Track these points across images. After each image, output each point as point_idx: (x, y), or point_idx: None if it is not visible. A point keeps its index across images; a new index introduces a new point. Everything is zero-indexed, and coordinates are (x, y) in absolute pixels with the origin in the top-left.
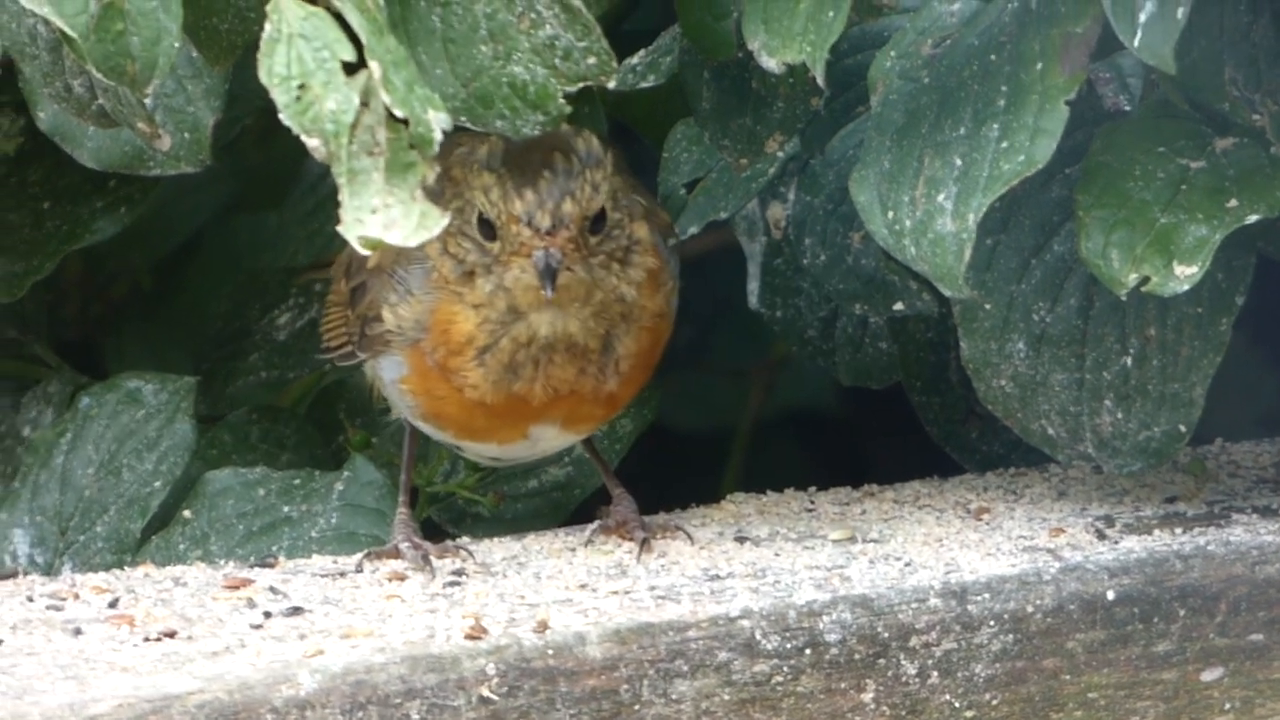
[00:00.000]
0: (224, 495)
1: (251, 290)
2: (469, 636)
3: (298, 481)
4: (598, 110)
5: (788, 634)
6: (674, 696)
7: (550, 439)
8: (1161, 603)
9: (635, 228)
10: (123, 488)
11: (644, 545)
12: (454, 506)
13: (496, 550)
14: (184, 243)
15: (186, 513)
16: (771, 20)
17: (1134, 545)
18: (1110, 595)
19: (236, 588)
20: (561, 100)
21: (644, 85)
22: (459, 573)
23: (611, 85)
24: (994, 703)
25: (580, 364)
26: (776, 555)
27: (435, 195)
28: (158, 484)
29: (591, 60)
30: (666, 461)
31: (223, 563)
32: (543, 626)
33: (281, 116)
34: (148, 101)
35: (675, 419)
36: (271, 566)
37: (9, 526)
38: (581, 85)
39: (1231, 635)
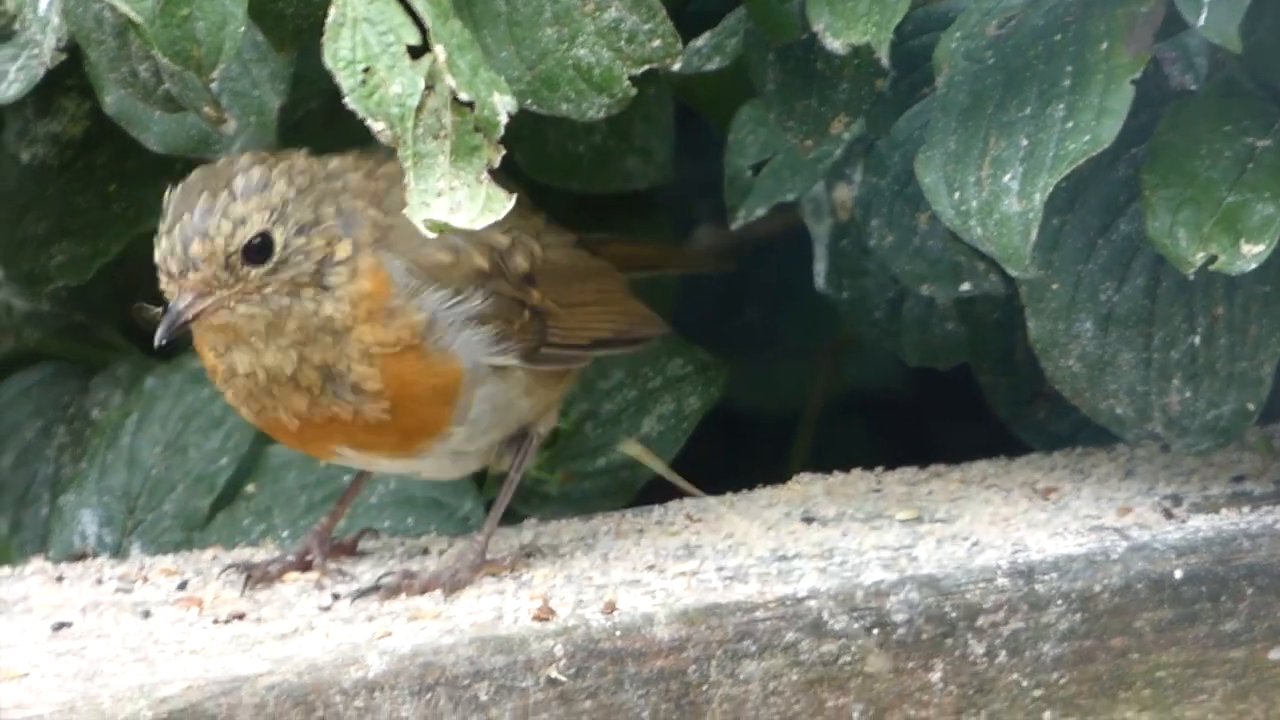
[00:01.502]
0: (286, 468)
1: None
2: (537, 618)
3: None
4: (663, 93)
5: (855, 614)
6: (741, 677)
7: (365, 462)
8: (1229, 581)
9: (339, 248)
10: (189, 466)
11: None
12: (522, 486)
13: (564, 532)
14: None
15: (250, 487)
16: (836, 2)
17: (1201, 524)
18: (1178, 574)
19: (305, 570)
20: (627, 83)
21: (709, 68)
22: (527, 554)
23: (676, 68)
24: (1062, 682)
25: (306, 395)
26: (844, 535)
27: None
28: (223, 461)
29: (656, 43)
30: (733, 442)
31: (288, 539)
32: (610, 607)
33: (347, 100)
34: (213, 85)
35: (742, 400)
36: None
37: (78, 507)
38: (646, 68)
39: None
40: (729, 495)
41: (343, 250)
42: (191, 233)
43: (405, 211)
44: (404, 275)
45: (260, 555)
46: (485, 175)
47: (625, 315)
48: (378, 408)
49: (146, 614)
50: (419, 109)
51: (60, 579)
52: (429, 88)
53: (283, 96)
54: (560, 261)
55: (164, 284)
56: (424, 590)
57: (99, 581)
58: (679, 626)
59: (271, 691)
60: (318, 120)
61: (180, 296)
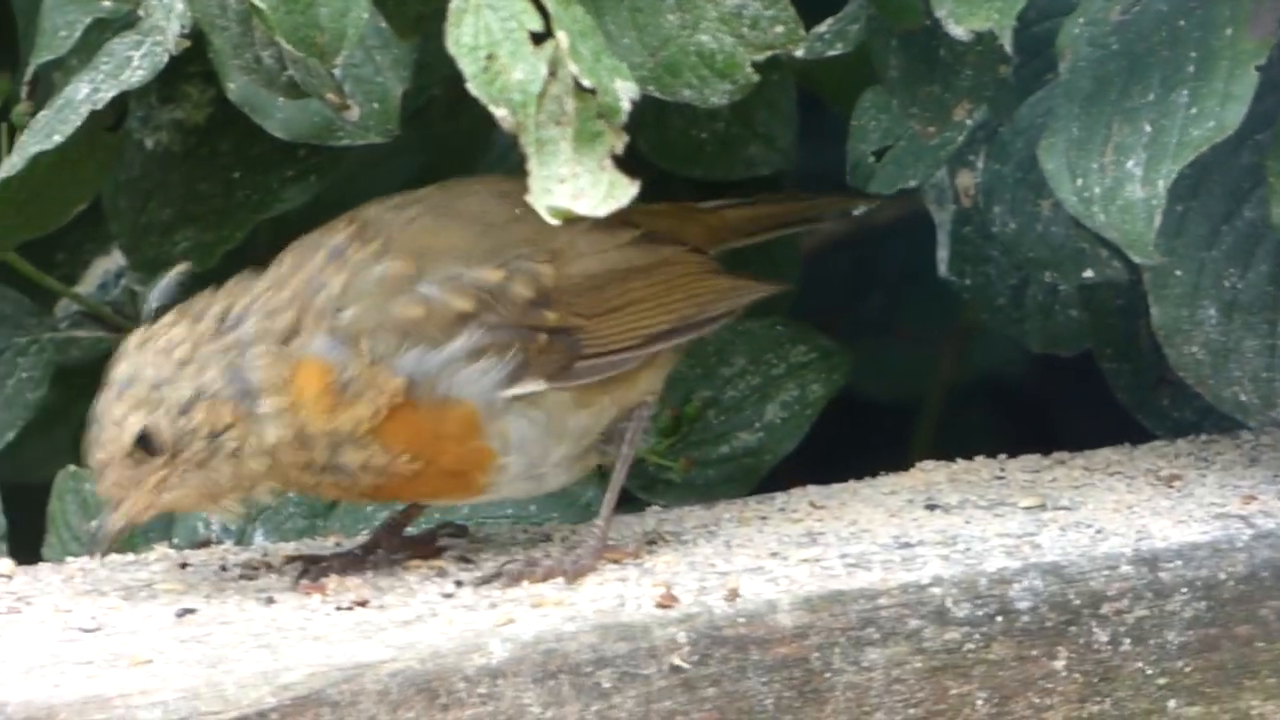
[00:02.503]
0: None
1: None
2: (660, 605)
3: None
4: (786, 79)
5: (979, 602)
6: (865, 664)
7: (448, 504)
8: None
9: (222, 412)
10: None
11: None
12: (645, 473)
13: (687, 519)
14: None
15: None
16: None
17: None
18: None
19: (428, 557)
20: (749, 69)
21: (832, 53)
22: (650, 541)
23: (799, 54)
24: (1187, 670)
25: (332, 486)
26: (967, 523)
27: None
28: None
29: (779, 29)
30: (856, 429)
31: (411, 527)
32: (733, 595)
33: (469, 86)
34: (336, 72)
35: (865, 386)
36: (462, 535)
37: None
38: (769, 54)
39: None
40: (852, 482)
41: (226, 414)
42: (93, 441)
43: (527, 198)
44: (338, 349)
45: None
46: (608, 162)
47: (692, 300)
48: (399, 463)
49: (270, 600)
50: (541, 95)
51: (184, 566)
52: (551, 74)
53: (405, 83)
54: (591, 271)
55: None
56: (546, 577)
57: (223, 568)
58: (802, 614)
59: (395, 678)
60: (441, 106)
61: (105, 508)
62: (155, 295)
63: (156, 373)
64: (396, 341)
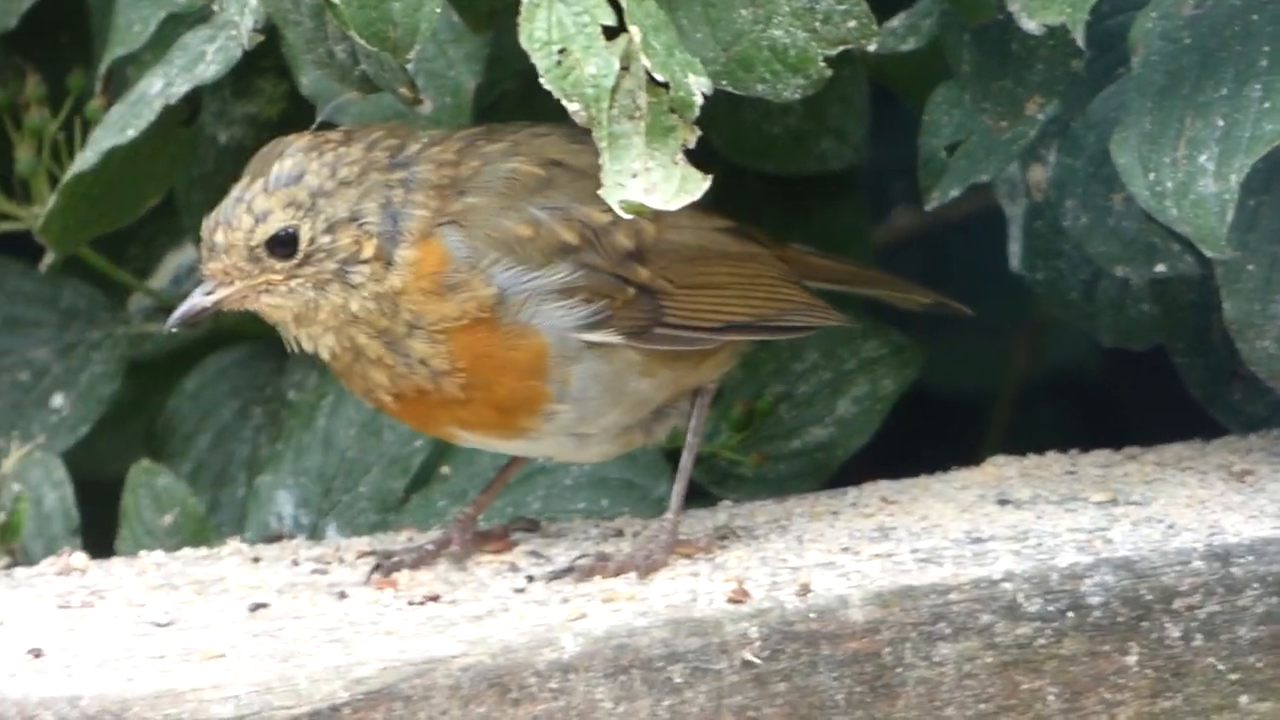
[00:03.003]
0: (480, 450)
1: None
2: (731, 600)
3: None
4: (858, 74)
5: (1050, 597)
6: (936, 659)
7: (481, 443)
8: None
9: (366, 247)
10: (384, 448)
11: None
12: (717, 468)
13: (759, 514)
14: None
15: (445, 469)
16: None
17: None
18: None
19: (499, 552)
20: (822, 64)
21: (904, 48)
22: (722, 535)
23: (872, 48)
24: (1259, 665)
25: (384, 368)
26: (1038, 518)
27: None
28: (418, 443)
29: (852, 23)
30: (928, 424)
31: (482, 521)
32: (805, 590)
33: (542, 81)
34: (409, 66)
35: (937, 381)
36: (534, 530)
37: (273, 488)
38: (842, 49)
39: None
40: (923, 477)
41: (368, 249)
42: (221, 219)
43: (600, 192)
44: (464, 249)
45: (401, 542)
46: (680, 156)
47: (773, 301)
48: (453, 382)
49: (342, 595)
50: (614, 90)
51: (257, 560)
52: (624, 68)
53: (478, 77)
54: (686, 241)
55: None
56: (618, 572)
57: (295, 563)
58: (873, 609)
59: (466, 673)
60: (513, 101)
61: (203, 284)
62: (329, 109)
63: (319, 182)
64: (498, 254)
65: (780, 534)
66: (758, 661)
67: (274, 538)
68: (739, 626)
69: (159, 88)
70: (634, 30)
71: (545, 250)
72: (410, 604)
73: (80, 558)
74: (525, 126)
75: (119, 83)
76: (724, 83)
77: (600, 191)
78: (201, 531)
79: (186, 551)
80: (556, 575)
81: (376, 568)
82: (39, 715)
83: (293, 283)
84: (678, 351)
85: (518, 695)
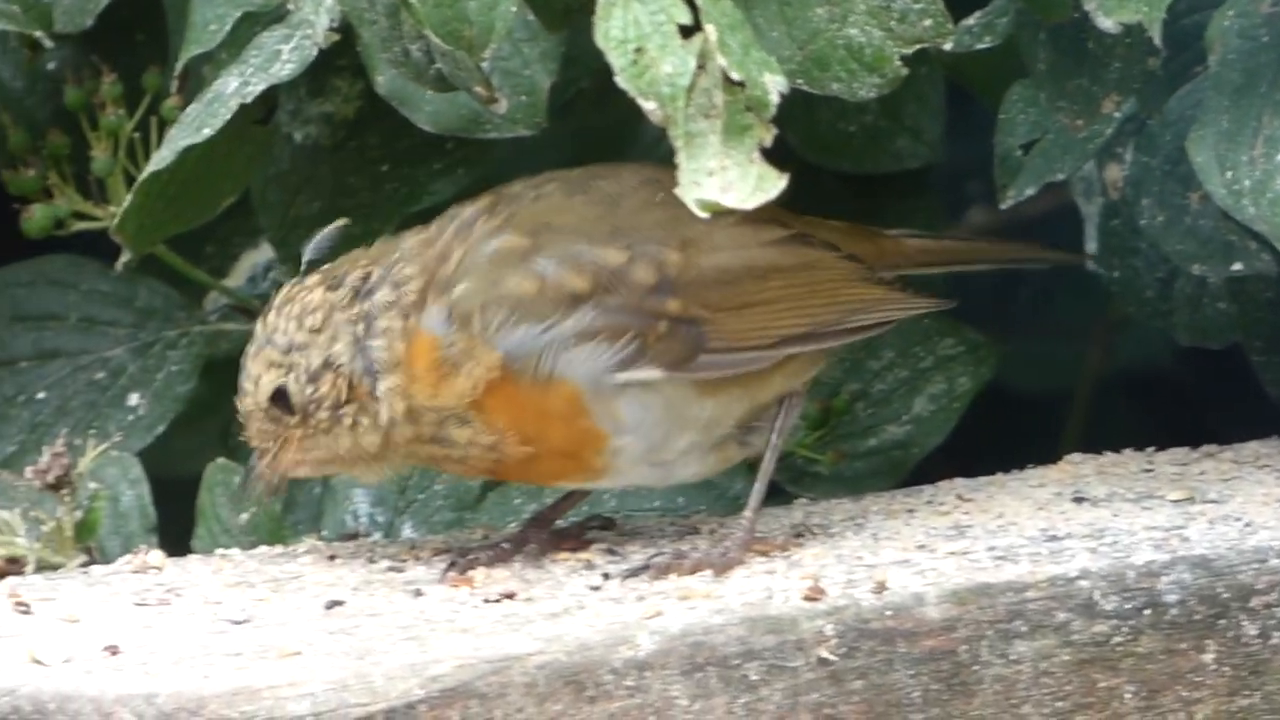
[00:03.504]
0: None
1: None
2: (807, 598)
3: None
4: (934, 72)
5: (1126, 594)
6: (1013, 657)
7: (580, 486)
8: None
9: (343, 389)
10: None
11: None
12: (793, 466)
13: (835, 511)
14: None
15: None
16: None
17: None
18: None
19: (575, 550)
20: (898, 63)
21: (980, 46)
22: (798, 534)
23: (948, 47)
24: None
25: (452, 463)
26: (1115, 516)
27: None
28: None
29: (928, 22)
30: (1004, 422)
31: (561, 523)
32: (881, 587)
33: (618, 79)
34: (484, 65)
35: (1014, 379)
36: (610, 528)
37: (349, 487)
38: (917, 47)
39: None
40: (999, 475)
41: (344, 389)
42: (239, 388)
43: (676, 191)
44: (444, 321)
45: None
46: (757, 154)
47: (833, 306)
48: (510, 443)
49: (418, 593)
50: (690, 88)
51: (333, 558)
52: (700, 67)
53: (553, 76)
54: (724, 264)
55: None
56: (694, 570)
57: (370, 560)
58: (950, 606)
59: (542, 670)
60: (588, 99)
61: (255, 452)
62: (310, 249)
63: (289, 336)
64: (504, 316)
65: (856, 532)
66: (834, 659)
67: (350, 535)
68: (815, 624)
69: (234, 87)
70: (710, 29)
71: (554, 302)
72: (486, 601)
73: (157, 556)
74: (531, 187)
75: (195, 82)
76: (800, 81)
77: (676, 190)
78: (277, 529)
79: (262, 549)
80: (632, 573)
81: (452, 565)
82: (116, 712)
83: (310, 436)
84: (729, 376)
85: (593, 693)
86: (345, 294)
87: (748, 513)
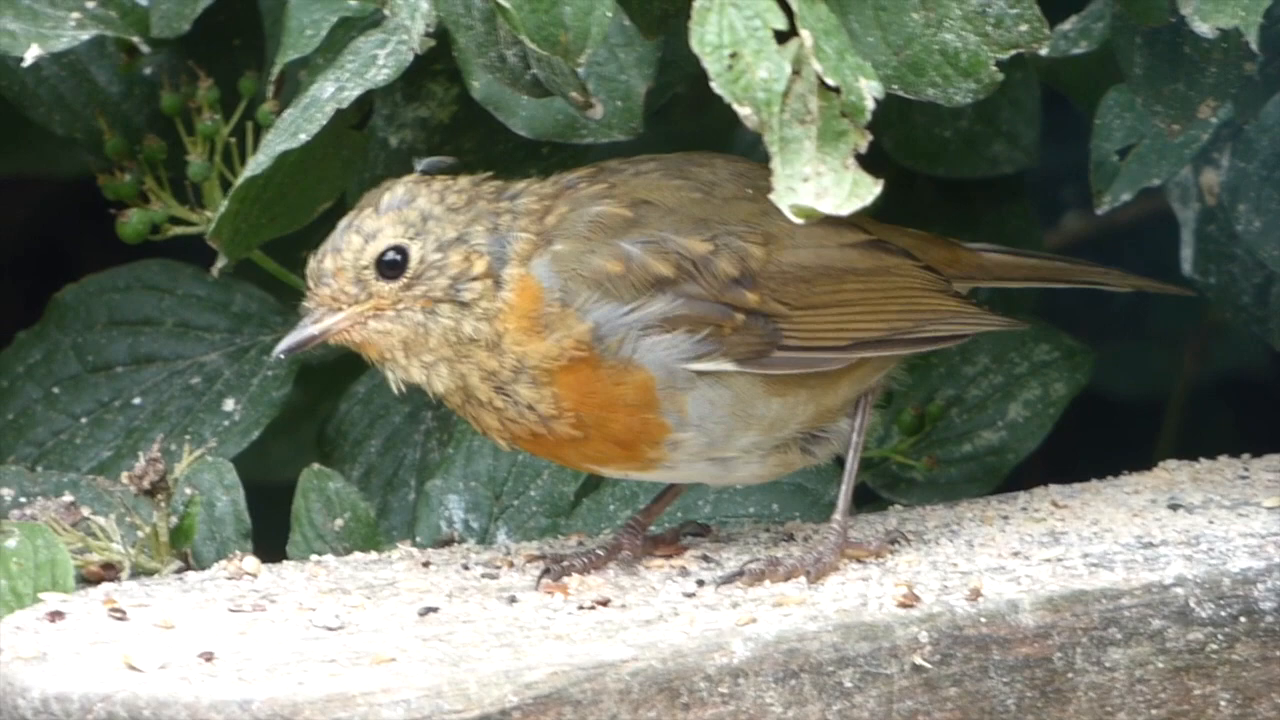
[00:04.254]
0: None
1: None
2: (901, 604)
3: None
4: (1030, 77)
5: (1222, 602)
6: (1107, 664)
7: (617, 474)
8: None
9: (476, 264)
10: None
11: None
12: (887, 472)
13: (929, 518)
14: None
15: None
16: None
17: None
18: None
19: (670, 556)
20: (994, 68)
21: (1076, 52)
22: (892, 540)
23: (1043, 52)
24: None
25: (494, 411)
26: (1210, 523)
27: None
28: None
29: (1024, 27)
30: (1099, 428)
31: (653, 526)
32: (975, 594)
33: (713, 85)
34: (580, 70)
35: (1109, 385)
36: (704, 534)
37: (444, 493)
38: (1013, 52)
39: None
40: (1094, 481)
41: (479, 266)
42: (329, 247)
43: (771, 196)
44: (556, 283)
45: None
46: (851, 160)
47: (910, 313)
48: (565, 422)
49: (512, 599)
50: (785, 94)
51: (427, 564)
52: (795, 72)
53: (649, 81)
54: (804, 262)
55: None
56: (788, 577)
57: (465, 567)
58: (1044, 613)
59: (636, 677)
60: (684, 105)
61: (311, 313)
62: (424, 164)
63: (429, 206)
64: (589, 291)
65: (951, 538)
66: (928, 666)
67: (444, 542)
68: (909, 631)
69: (330, 92)
70: (805, 34)
71: (638, 285)
72: (580, 608)
73: (251, 562)
74: (631, 164)
75: (291, 87)
76: (895, 87)
77: (771, 195)
78: (372, 536)
79: (357, 555)
80: (726, 580)
81: (546, 572)
82: (210, 718)
83: (400, 306)
84: (801, 374)
85: (688, 700)
86: (489, 189)
87: (837, 516)
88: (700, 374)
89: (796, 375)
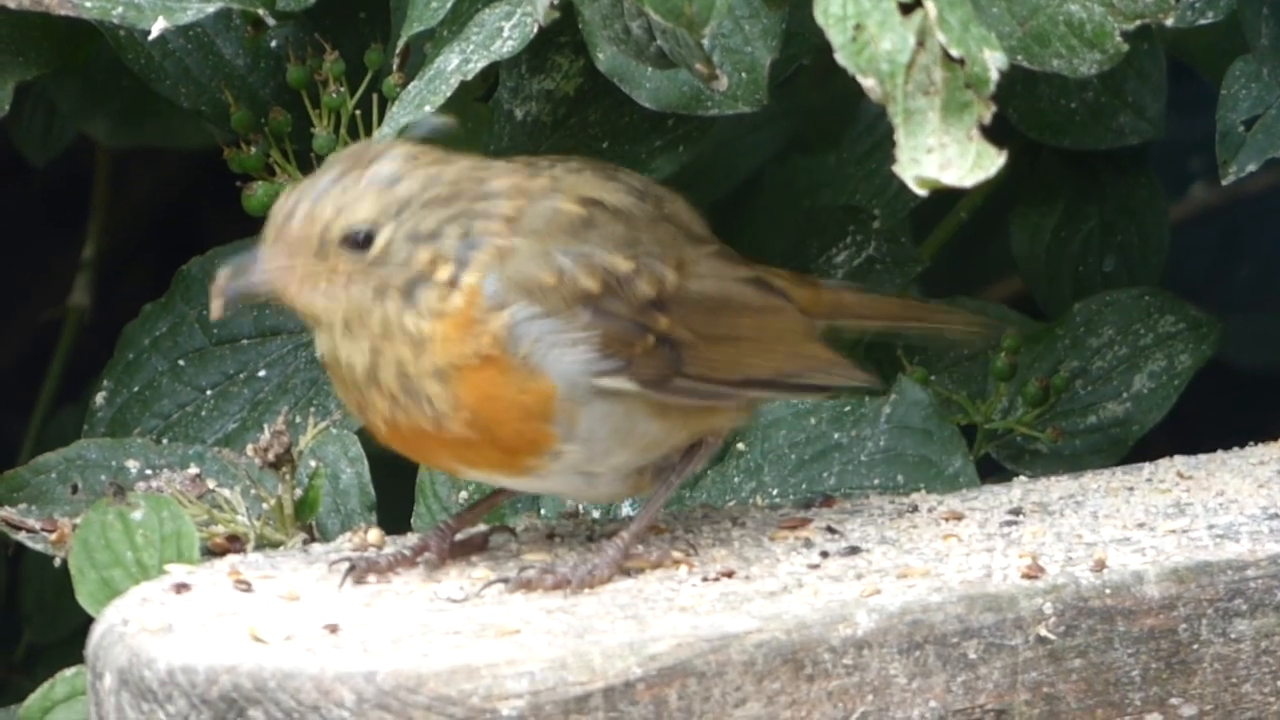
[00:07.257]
0: (776, 426)
1: (810, 228)
2: (1026, 576)
3: (848, 408)
4: (1156, 48)
5: None
6: (1233, 636)
7: (486, 479)
8: None
9: (441, 270)
10: None
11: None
12: (1013, 443)
13: (1054, 489)
14: (743, 181)
15: (740, 445)
16: None
17: None
18: None
19: (794, 528)
20: (1119, 38)
21: (1202, 22)
22: (1016, 511)
23: (1169, 22)
24: None
25: (388, 398)
26: None
27: None
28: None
29: None
30: (1225, 399)
31: (777, 497)
32: (1100, 565)
33: (837, 56)
34: (705, 42)
35: (1235, 356)
36: (829, 505)
37: None
38: (1139, 23)
39: None
40: (1220, 453)
41: (443, 273)
42: (303, 201)
43: (894, 168)
44: (495, 289)
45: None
46: (975, 132)
47: (796, 358)
48: (459, 421)
49: (636, 571)
50: (909, 65)
51: (551, 536)
52: (919, 44)
53: (774, 53)
54: (709, 291)
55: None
56: (556, 587)
57: (589, 538)
58: (1169, 585)
59: (760, 649)
60: (809, 76)
61: (263, 257)
62: (422, 126)
63: (411, 191)
64: (520, 299)
65: (1075, 510)
66: (1052, 637)
67: (569, 514)
68: (1034, 602)
69: (455, 64)
70: (929, 5)
71: (567, 297)
72: (705, 580)
73: (376, 534)
74: (556, 161)
75: (416, 59)
76: (1019, 58)
77: (894, 167)
78: (497, 509)
79: (481, 527)
80: (490, 585)
81: (352, 568)
82: (335, 690)
83: (352, 282)
84: (692, 405)
85: (812, 671)
86: (472, 185)
87: (625, 535)
88: (600, 390)
89: (678, 405)
